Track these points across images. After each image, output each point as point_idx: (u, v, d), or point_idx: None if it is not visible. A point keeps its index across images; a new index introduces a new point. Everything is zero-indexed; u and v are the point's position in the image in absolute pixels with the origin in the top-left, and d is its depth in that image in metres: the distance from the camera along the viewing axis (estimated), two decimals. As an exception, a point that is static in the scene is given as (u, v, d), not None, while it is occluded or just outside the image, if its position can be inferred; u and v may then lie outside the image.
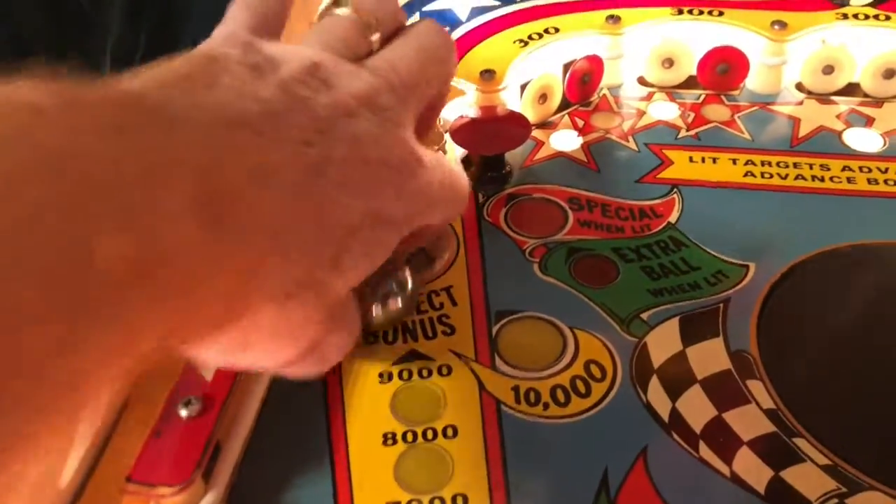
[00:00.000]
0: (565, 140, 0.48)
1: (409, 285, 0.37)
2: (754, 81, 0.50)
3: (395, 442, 0.33)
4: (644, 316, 0.37)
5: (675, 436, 0.33)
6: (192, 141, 0.22)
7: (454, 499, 0.31)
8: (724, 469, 0.32)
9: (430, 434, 0.33)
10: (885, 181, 0.44)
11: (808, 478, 0.31)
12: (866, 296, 0.39)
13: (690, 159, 0.46)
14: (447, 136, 0.44)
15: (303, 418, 0.34)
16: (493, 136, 0.45)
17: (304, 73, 0.27)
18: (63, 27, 0.67)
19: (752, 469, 0.32)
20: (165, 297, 0.20)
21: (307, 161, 0.25)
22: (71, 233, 0.18)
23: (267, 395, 0.34)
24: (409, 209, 0.29)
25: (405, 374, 0.35)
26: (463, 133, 0.45)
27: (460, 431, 0.33)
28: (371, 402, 0.34)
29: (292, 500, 0.31)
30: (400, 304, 0.37)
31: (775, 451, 0.32)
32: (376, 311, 0.36)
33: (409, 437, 0.33)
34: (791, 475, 0.32)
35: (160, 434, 0.30)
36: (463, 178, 0.34)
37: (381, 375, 0.35)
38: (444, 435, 0.33)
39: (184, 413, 0.30)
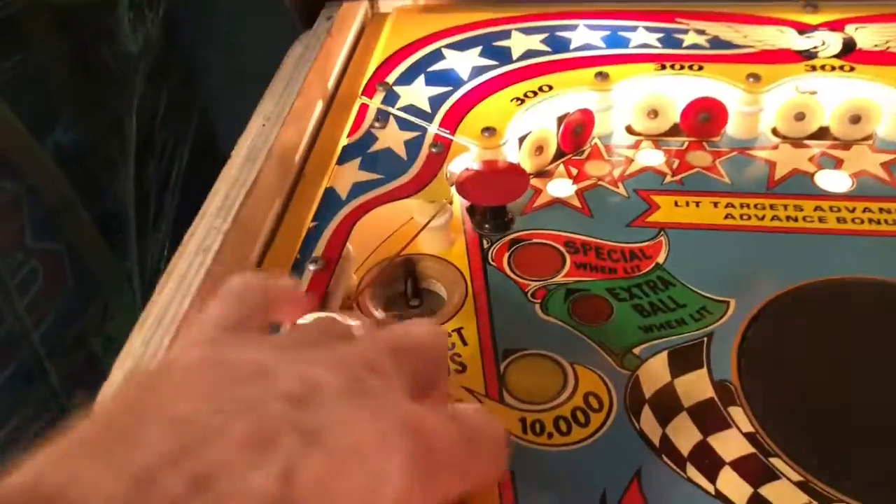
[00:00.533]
0: (561, 188, 0.52)
1: None
2: (733, 128, 0.54)
3: (416, 471, 0.37)
4: (636, 351, 0.42)
5: (666, 458, 0.37)
6: None
7: (471, 520, 0.35)
8: (710, 487, 0.36)
9: (447, 463, 0.37)
10: (853, 220, 0.48)
11: (782, 494, 0.35)
12: (836, 327, 0.43)
13: (676, 203, 0.50)
14: (453, 189, 0.49)
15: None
16: (495, 187, 0.49)
17: (259, 368, 0.24)
18: (92, 87, 0.72)
19: (734, 487, 0.36)
20: None
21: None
22: None
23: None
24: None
25: (423, 410, 0.40)
26: (468, 186, 0.49)
27: (474, 460, 0.37)
28: (394, 436, 0.39)
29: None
30: None
31: (754, 471, 0.36)
32: None
33: (429, 466, 0.37)
34: (768, 491, 0.36)
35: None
36: (494, 429, 0.29)
37: (401, 411, 0.40)
38: (460, 464, 0.37)
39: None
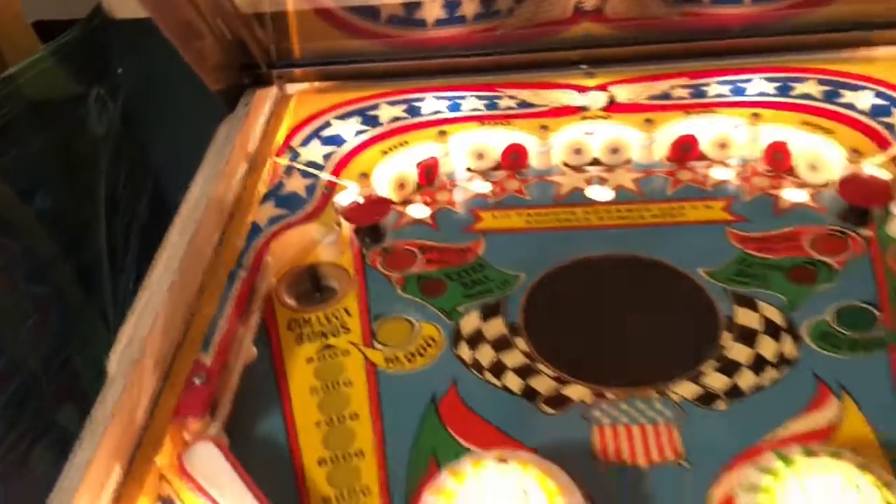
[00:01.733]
0: (418, 211, 0.75)
1: None
2: (535, 162, 0.78)
3: (316, 393, 0.59)
4: (460, 309, 0.64)
5: (474, 371, 0.59)
6: None
7: (351, 415, 0.57)
8: (499, 383, 0.58)
9: (337, 385, 0.59)
10: (608, 218, 0.72)
11: (543, 383, 0.58)
12: (589, 286, 0.66)
13: (493, 216, 0.73)
14: (341, 217, 0.71)
15: (262, 385, 0.59)
16: (370, 213, 0.72)
17: None
18: (67, 164, 0.93)
19: (514, 382, 0.58)
20: None
21: None
22: None
23: (241, 373, 0.59)
24: None
25: (322, 357, 0.61)
26: (351, 213, 0.71)
27: (354, 383, 0.59)
28: (302, 374, 0.60)
29: (260, 426, 0.57)
30: None
31: (526, 371, 0.59)
32: None
33: (326, 388, 0.59)
34: (534, 382, 0.58)
35: (188, 393, 0.55)
36: None
37: (308, 359, 0.61)
38: (345, 385, 0.59)
39: (197, 381, 0.55)
